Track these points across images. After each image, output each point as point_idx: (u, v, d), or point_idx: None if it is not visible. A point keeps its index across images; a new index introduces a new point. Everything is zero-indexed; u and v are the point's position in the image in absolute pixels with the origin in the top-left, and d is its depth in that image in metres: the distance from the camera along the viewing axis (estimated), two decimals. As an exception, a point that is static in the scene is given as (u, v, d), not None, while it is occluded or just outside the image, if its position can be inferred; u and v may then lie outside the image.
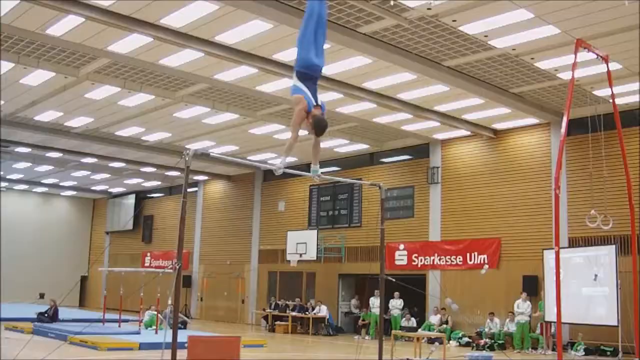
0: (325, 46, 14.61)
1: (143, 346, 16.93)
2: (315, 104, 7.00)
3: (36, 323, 21.76)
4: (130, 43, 15.02)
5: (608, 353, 17.56)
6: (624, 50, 14.42)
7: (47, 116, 22.24)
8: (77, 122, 22.92)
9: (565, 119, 11.00)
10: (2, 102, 20.41)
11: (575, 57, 11.17)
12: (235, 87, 18.25)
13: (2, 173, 33.46)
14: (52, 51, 16.08)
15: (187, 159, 6.54)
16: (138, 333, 20.03)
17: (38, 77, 17.97)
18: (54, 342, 16.99)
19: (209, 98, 19.71)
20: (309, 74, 7.11)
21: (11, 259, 37.72)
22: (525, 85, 17.56)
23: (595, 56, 11.76)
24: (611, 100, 12.33)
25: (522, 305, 19.66)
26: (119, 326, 21.61)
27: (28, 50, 16.09)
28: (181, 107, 20.51)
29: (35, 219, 41.23)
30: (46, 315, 22.96)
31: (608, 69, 12.08)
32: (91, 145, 26.43)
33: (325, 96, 18.53)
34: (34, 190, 40.50)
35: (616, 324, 16.59)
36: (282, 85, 17.71)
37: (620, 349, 16.40)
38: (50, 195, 41.95)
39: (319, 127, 6.99)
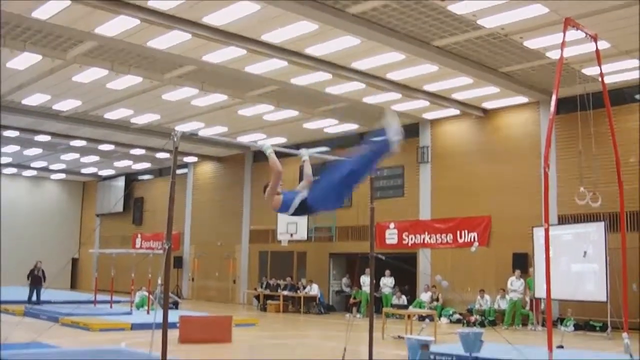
0: (314, 27, 14.65)
1: (135, 326, 17.02)
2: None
3: (27, 305, 21.87)
4: (117, 25, 14.90)
5: (597, 328, 17.76)
6: (612, 28, 14.45)
7: (35, 99, 22.11)
8: (66, 105, 22.81)
9: (554, 98, 11.01)
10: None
11: (564, 36, 11.15)
12: (224, 69, 18.18)
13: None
14: (39, 34, 15.96)
15: (175, 139, 6.55)
16: (130, 314, 20.10)
17: (25, 60, 17.83)
18: (45, 323, 17.05)
19: (198, 80, 19.63)
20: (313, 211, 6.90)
21: (1, 242, 37.63)
22: (515, 64, 17.58)
23: (584, 35, 11.74)
24: (600, 79, 12.35)
25: (516, 283, 19.80)
26: (111, 307, 21.67)
27: (14, 34, 15.95)
28: (170, 89, 20.43)
29: (26, 202, 41.14)
30: (36, 273, 23.74)
31: (597, 47, 12.07)
32: (80, 128, 26.33)
33: (314, 76, 18.54)
34: (23, 174, 40.37)
35: (605, 299, 16.76)
36: (270, 66, 17.67)
37: (609, 324, 16.58)
38: (40, 178, 41.83)
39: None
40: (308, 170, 7.40)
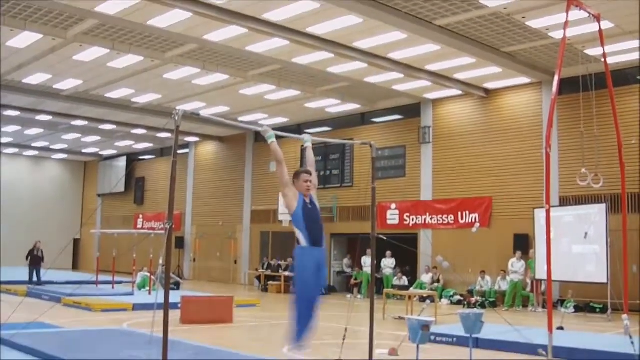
0: (316, 5, 14.53)
1: (136, 307, 17.08)
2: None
3: (29, 286, 21.95)
4: (118, 4, 14.83)
5: (597, 310, 17.80)
6: (615, 8, 14.34)
7: (36, 79, 22.05)
8: (66, 84, 22.74)
9: (556, 78, 10.92)
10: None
11: (567, 16, 11.05)
12: (225, 48, 18.11)
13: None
14: (39, 12, 15.89)
15: (176, 119, 6.50)
16: (131, 294, 20.15)
17: (25, 39, 17.75)
18: (47, 304, 17.09)
19: (199, 59, 19.54)
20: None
21: (3, 223, 37.71)
22: (517, 44, 17.48)
23: (587, 15, 11.63)
24: (603, 59, 12.25)
25: (517, 265, 19.81)
26: (113, 288, 21.72)
27: (14, 12, 15.89)
28: (171, 68, 20.34)
29: (27, 182, 41.17)
30: (35, 254, 23.88)
31: (600, 27, 11.96)
32: (81, 108, 26.27)
33: (316, 56, 18.45)
34: (24, 153, 40.37)
35: (606, 281, 16.77)
36: (272, 45, 17.59)
37: (609, 306, 16.60)
38: (41, 158, 41.81)
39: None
40: (310, 156, 7.35)
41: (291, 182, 6.89)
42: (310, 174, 6.96)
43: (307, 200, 6.87)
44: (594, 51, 16.40)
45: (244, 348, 10.53)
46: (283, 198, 6.91)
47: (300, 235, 6.82)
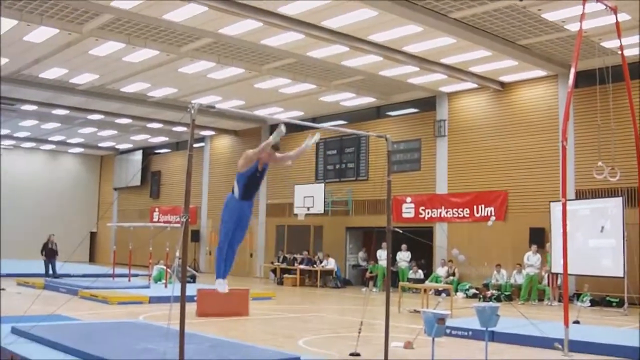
0: None
1: (153, 300, 17.19)
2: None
3: (47, 279, 22.15)
4: (133, -2, 14.91)
5: (614, 304, 17.69)
6: (632, 1, 14.22)
7: (52, 73, 22.19)
8: (82, 78, 22.88)
9: (572, 71, 10.89)
10: (6, 60, 20.36)
11: (584, 8, 11.00)
12: (240, 42, 18.14)
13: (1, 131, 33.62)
14: (55, 7, 15.97)
15: (192, 112, 6.53)
16: (147, 287, 20.27)
17: (42, 34, 17.87)
18: (64, 296, 17.23)
19: (214, 53, 19.59)
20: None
21: (20, 217, 38.09)
22: (533, 37, 17.38)
23: (604, 7, 11.58)
24: (619, 52, 12.18)
25: (532, 258, 19.74)
26: (129, 280, 21.85)
27: (31, 7, 15.98)
28: (186, 62, 20.40)
29: (44, 176, 41.48)
30: (49, 247, 24.16)
31: (617, 20, 11.90)
32: (97, 102, 26.40)
33: (331, 49, 18.44)
34: (41, 148, 40.63)
35: (622, 275, 16.70)
36: (287, 39, 17.61)
37: (626, 300, 16.53)
38: (58, 152, 42.10)
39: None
40: (305, 147, 8.19)
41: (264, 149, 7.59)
42: (278, 150, 7.80)
43: (260, 169, 7.63)
44: (611, 44, 16.30)
45: (259, 341, 10.59)
46: (244, 157, 7.64)
47: (236, 188, 7.66)
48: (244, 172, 7.54)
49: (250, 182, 7.62)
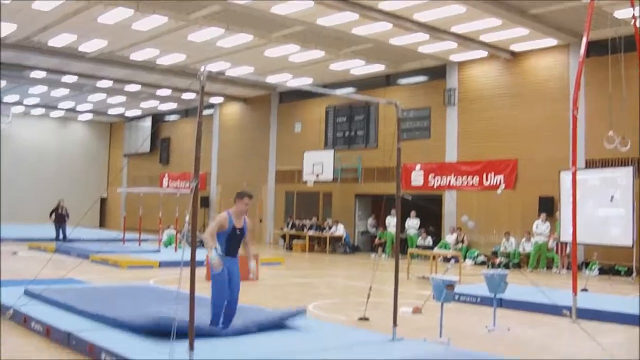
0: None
1: (163, 264, 17.39)
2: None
3: (58, 243, 22.37)
4: (143, -36, 14.81)
5: (622, 273, 17.73)
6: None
7: (61, 40, 22.15)
8: (91, 45, 22.83)
9: (584, 41, 10.81)
10: (15, 26, 20.34)
11: (597, -25, 10.90)
12: (249, 9, 18.04)
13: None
14: (64, -27, 15.91)
15: (202, 79, 6.51)
16: (157, 251, 20.45)
17: (50, 1, 17.80)
18: (75, 260, 17.41)
19: (223, 20, 19.47)
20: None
21: (31, 182, 38.37)
22: (544, 6, 17.21)
23: (617, -26, 11.47)
24: (632, 22, 12.05)
25: (541, 226, 19.77)
26: (139, 245, 22.03)
27: (40, -27, 15.92)
28: (195, 29, 20.29)
29: (54, 143, 41.70)
30: (59, 212, 24.48)
31: (630, -12, 11.77)
32: (106, 69, 26.39)
33: (341, 16, 18.33)
34: (51, 114, 40.73)
35: (631, 244, 16.73)
36: (296, 6, 17.51)
37: (634, 269, 16.58)
38: (68, 119, 42.21)
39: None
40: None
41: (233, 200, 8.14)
42: (251, 198, 8.25)
43: (238, 227, 7.93)
44: (623, 13, 16.12)
45: (269, 305, 10.69)
46: (216, 221, 7.93)
47: (218, 246, 7.82)
48: (222, 232, 7.82)
49: (232, 238, 7.88)
